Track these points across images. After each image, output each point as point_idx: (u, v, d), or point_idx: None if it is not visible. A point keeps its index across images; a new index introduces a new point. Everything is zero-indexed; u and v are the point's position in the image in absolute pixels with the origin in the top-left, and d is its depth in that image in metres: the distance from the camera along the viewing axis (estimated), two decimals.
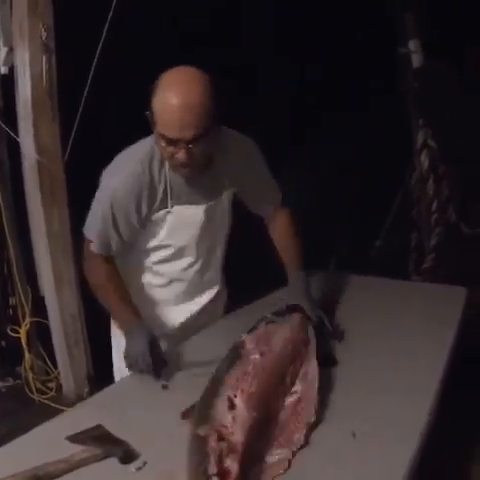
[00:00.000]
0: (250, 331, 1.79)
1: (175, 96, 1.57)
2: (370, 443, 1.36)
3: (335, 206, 4.24)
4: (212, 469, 1.12)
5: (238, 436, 1.24)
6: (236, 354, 1.63)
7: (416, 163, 3.91)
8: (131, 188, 1.78)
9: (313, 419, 1.41)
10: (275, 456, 1.28)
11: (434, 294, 2.66)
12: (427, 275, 3.82)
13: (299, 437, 1.35)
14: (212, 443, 1.19)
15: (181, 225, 1.92)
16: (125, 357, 1.73)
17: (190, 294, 2.11)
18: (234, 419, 1.30)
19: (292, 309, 1.93)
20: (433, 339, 2.02)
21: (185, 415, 1.44)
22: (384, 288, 2.70)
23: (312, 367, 1.62)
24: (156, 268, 2.03)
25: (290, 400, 1.50)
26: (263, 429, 1.34)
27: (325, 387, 1.62)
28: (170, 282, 2.06)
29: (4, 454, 1.39)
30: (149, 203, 1.82)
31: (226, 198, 2.00)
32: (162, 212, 1.86)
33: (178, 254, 1.99)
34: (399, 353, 1.90)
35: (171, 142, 1.63)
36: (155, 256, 2.00)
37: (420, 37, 3.87)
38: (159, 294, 2.09)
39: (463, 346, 2.03)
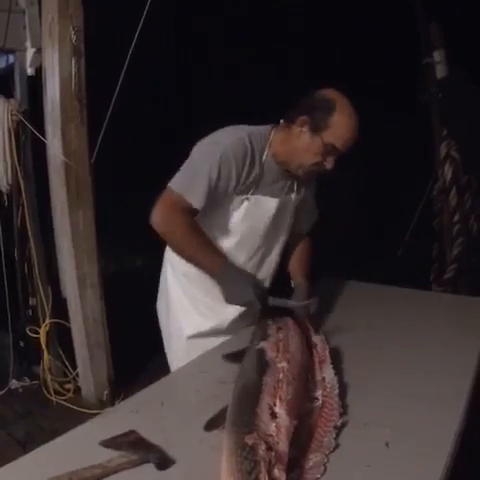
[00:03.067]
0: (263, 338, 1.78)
1: (353, 117, 1.88)
2: (403, 452, 1.35)
3: (357, 215, 4.24)
4: (264, 478, 1.11)
5: (283, 445, 1.23)
6: (263, 362, 1.62)
7: (439, 174, 3.89)
8: (239, 153, 1.91)
9: (339, 422, 1.42)
10: (310, 461, 1.28)
11: (456, 305, 2.65)
12: (448, 286, 3.80)
13: (329, 440, 1.35)
14: (261, 452, 1.17)
15: (254, 213, 2.03)
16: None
17: None
18: (278, 428, 1.29)
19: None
20: (458, 350, 2.00)
21: (208, 427, 1.43)
22: (405, 298, 2.69)
23: (329, 372, 1.64)
24: None
25: (314, 406, 1.50)
26: (296, 436, 1.33)
27: (356, 395, 1.62)
28: None
29: (36, 458, 1.38)
30: (245, 176, 1.95)
31: (295, 200, 2.13)
32: (241, 197, 1.99)
33: (240, 244, 2.07)
34: (425, 362, 1.89)
35: (334, 152, 1.89)
36: (222, 243, 2.06)
37: (445, 48, 3.86)
38: (216, 286, 2.05)
39: None
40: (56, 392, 3.42)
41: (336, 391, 1.56)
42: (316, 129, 1.88)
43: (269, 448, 1.19)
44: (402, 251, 4.02)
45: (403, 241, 4.05)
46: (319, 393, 1.55)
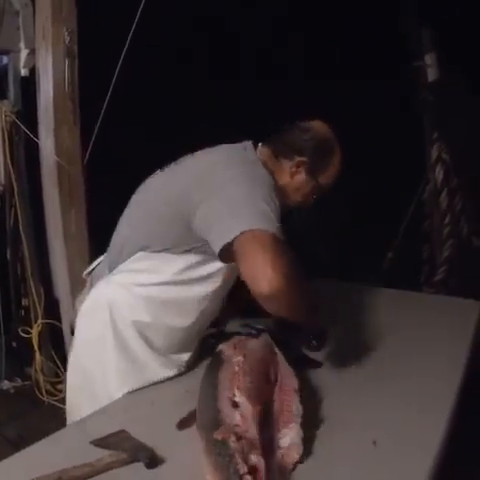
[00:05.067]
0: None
1: (341, 160, 1.87)
2: (390, 452, 1.37)
3: (347, 217, 4.26)
4: (242, 468, 1.13)
5: (252, 431, 1.26)
6: (218, 360, 1.63)
7: (430, 176, 3.91)
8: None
9: (297, 386, 1.48)
10: (286, 437, 1.32)
11: (446, 306, 2.66)
12: (439, 287, 3.82)
13: (296, 407, 1.39)
14: (232, 444, 1.19)
15: None
16: None
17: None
18: (242, 416, 1.31)
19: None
20: (447, 351, 2.02)
21: (182, 425, 1.46)
22: (396, 300, 2.71)
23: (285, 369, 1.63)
24: None
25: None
26: (268, 420, 1.36)
27: (342, 398, 1.64)
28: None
29: (26, 457, 1.40)
30: None
31: None
32: None
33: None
34: (414, 363, 1.91)
35: (322, 192, 1.88)
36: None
37: (436, 51, 3.89)
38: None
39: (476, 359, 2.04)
40: (48, 392, 3.42)
41: (286, 363, 1.61)
42: (314, 172, 1.83)
43: (239, 438, 1.22)
44: (393, 253, 4.04)
45: (394, 243, 4.07)
46: (272, 371, 1.58)
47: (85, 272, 2.06)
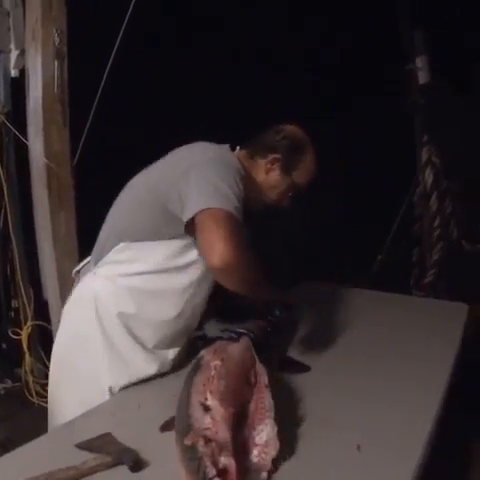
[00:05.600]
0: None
1: (316, 160, 1.94)
2: (374, 455, 1.37)
3: (337, 220, 4.27)
4: (211, 472, 1.14)
5: (223, 433, 1.26)
6: (198, 365, 1.63)
7: (420, 179, 3.93)
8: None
9: (267, 381, 1.50)
10: (262, 434, 1.33)
11: (435, 309, 2.68)
12: (428, 290, 3.84)
13: (269, 402, 1.41)
14: (201, 448, 1.20)
15: None
16: None
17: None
18: (213, 419, 1.31)
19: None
20: (435, 354, 2.03)
21: (164, 428, 1.46)
22: (385, 302, 2.72)
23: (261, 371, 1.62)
24: None
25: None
26: (242, 422, 1.38)
27: (328, 400, 1.65)
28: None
29: (12, 459, 1.40)
30: None
31: None
32: None
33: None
34: (401, 367, 1.92)
35: (297, 190, 1.94)
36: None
37: (428, 54, 3.90)
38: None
39: (464, 362, 2.05)
40: (38, 394, 3.40)
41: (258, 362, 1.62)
42: (287, 169, 1.91)
43: (208, 441, 1.22)
44: (383, 255, 4.05)
45: (384, 245, 4.08)
46: (252, 373, 1.59)
47: (74, 271, 2.07)
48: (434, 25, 3.81)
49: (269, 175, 1.92)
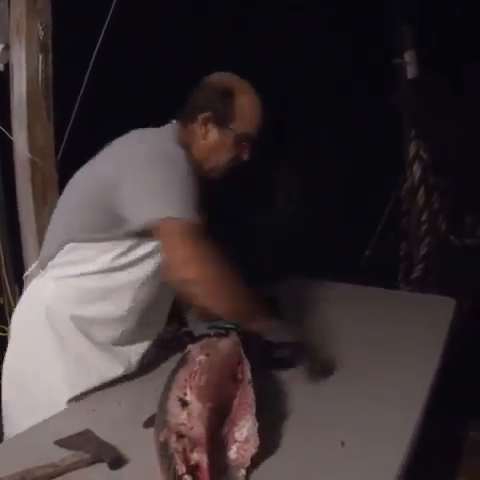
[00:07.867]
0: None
1: (255, 96, 1.76)
2: (359, 452, 1.36)
3: (324, 215, 4.27)
4: (181, 469, 1.12)
5: (198, 428, 1.24)
6: (183, 360, 1.62)
7: (407, 174, 3.93)
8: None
9: (250, 376, 1.48)
10: (243, 430, 1.32)
11: (423, 304, 2.68)
12: (416, 285, 3.84)
13: (251, 398, 1.40)
14: (173, 444, 1.18)
15: None
16: None
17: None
18: (189, 415, 1.29)
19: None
20: (422, 349, 2.03)
21: (147, 424, 1.45)
22: (373, 297, 2.72)
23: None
24: None
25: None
26: (224, 417, 1.37)
27: (313, 396, 1.64)
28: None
29: None
30: None
31: None
32: None
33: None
34: (387, 362, 1.92)
35: (248, 140, 1.75)
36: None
37: (416, 49, 3.90)
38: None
39: (451, 356, 2.05)
40: None
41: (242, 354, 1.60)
42: (223, 123, 1.73)
43: (181, 436, 1.20)
44: (370, 250, 4.05)
45: (371, 240, 4.08)
46: (239, 369, 1.57)
47: (24, 276, 2.01)
48: (425, 20, 3.82)
49: (207, 138, 1.75)
